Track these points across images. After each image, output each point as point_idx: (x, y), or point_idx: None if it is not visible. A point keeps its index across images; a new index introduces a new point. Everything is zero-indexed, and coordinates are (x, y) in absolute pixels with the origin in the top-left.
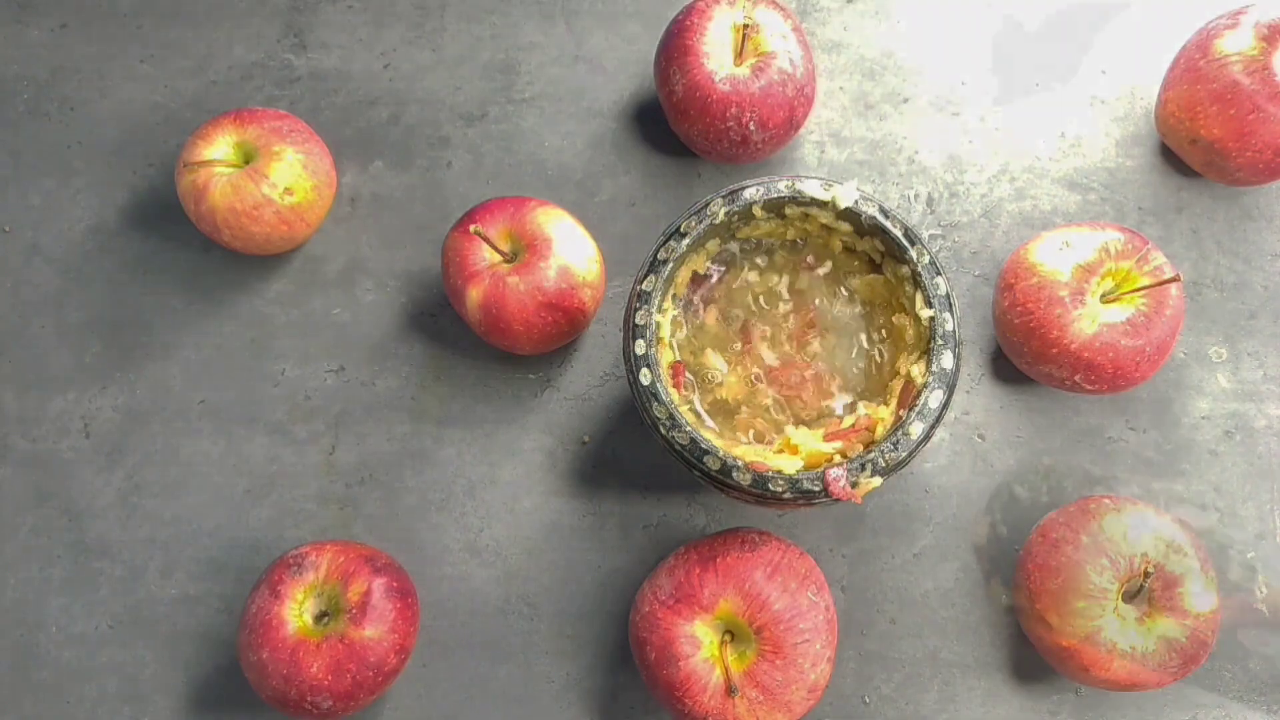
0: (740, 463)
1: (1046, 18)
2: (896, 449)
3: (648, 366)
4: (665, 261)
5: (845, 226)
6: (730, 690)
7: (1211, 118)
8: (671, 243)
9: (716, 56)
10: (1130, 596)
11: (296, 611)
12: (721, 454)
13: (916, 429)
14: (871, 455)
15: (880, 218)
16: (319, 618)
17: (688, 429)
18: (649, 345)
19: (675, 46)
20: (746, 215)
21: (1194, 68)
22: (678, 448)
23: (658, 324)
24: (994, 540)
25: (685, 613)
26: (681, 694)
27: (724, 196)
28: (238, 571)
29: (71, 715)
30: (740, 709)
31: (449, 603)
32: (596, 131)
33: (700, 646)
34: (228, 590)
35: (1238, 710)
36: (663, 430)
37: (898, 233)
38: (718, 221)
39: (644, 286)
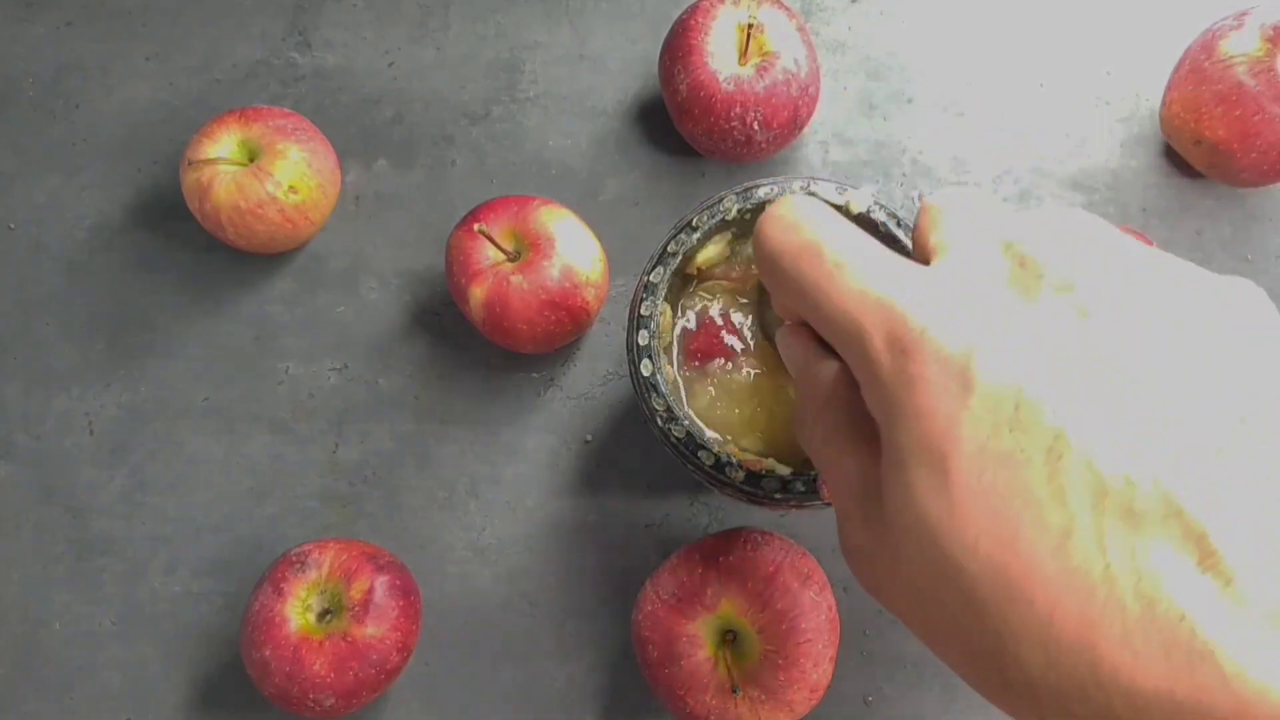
0: (735, 459)
1: (1051, 18)
2: None
3: (649, 358)
4: (674, 254)
5: None
6: (732, 690)
7: (1216, 119)
8: (682, 235)
9: (720, 56)
10: None
11: (299, 609)
12: (716, 449)
13: None
14: None
15: (892, 226)
16: (321, 615)
17: (685, 422)
18: (652, 336)
19: (679, 46)
20: (758, 214)
21: (1199, 69)
22: (673, 440)
23: (661, 316)
24: None
25: (687, 612)
26: (683, 693)
27: (737, 193)
28: (240, 569)
29: (74, 712)
30: (742, 708)
31: (451, 601)
32: (600, 131)
33: (702, 646)
34: (230, 588)
35: None
36: (660, 422)
37: (908, 242)
38: (729, 218)
39: (651, 278)
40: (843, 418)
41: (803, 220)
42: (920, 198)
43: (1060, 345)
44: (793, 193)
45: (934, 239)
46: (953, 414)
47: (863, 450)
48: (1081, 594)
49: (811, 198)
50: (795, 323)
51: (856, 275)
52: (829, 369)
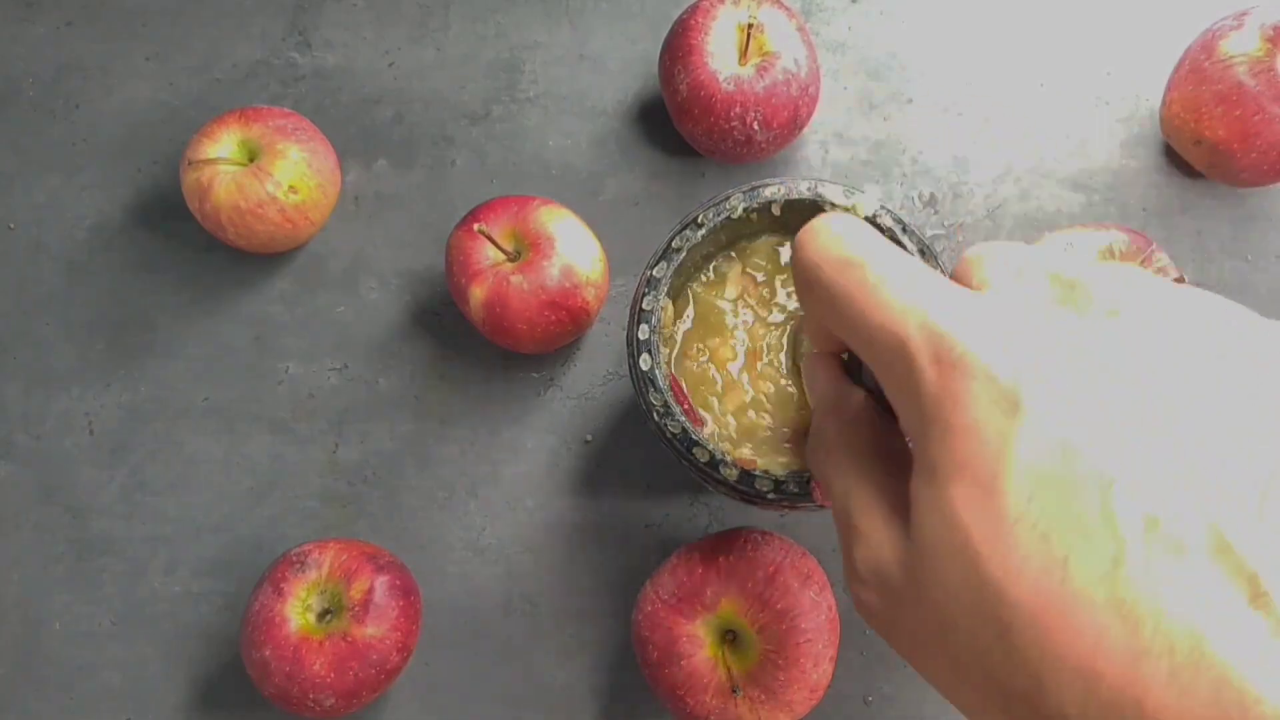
0: (728, 458)
1: (1051, 18)
2: None
3: (648, 352)
4: (679, 250)
5: None
6: (732, 690)
7: (1216, 119)
8: (687, 232)
9: (721, 56)
10: None
11: (299, 609)
12: (711, 447)
13: None
14: None
15: (898, 231)
16: (321, 615)
17: (681, 419)
18: (652, 331)
19: (679, 46)
20: (763, 212)
21: (1199, 69)
22: (669, 435)
23: (662, 311)
24: None
25: (687, 612)
26: (683, 693)
27: (744, 192)
28: (240, 569)
29: (74, 712)
30: (742, 708)
31: (451, 601)
32: (600, 131)
33: (702, 646)
34: (230, 588)
35: None
36: (656, 417)
37: (913, 248)
38: (735, 215)
39: (654, 273)
40: (867, 441)
41: (845, 235)
42: (919, 198)
43: (1112, 371)
44: (800, 196)
45: (978, 277)
46: (1003, 432)
47: (887, 474)
48: (1128, 627)
49: (851, 215)
50: (822, 351)
51: (901, 290)
52: (857, 396)
